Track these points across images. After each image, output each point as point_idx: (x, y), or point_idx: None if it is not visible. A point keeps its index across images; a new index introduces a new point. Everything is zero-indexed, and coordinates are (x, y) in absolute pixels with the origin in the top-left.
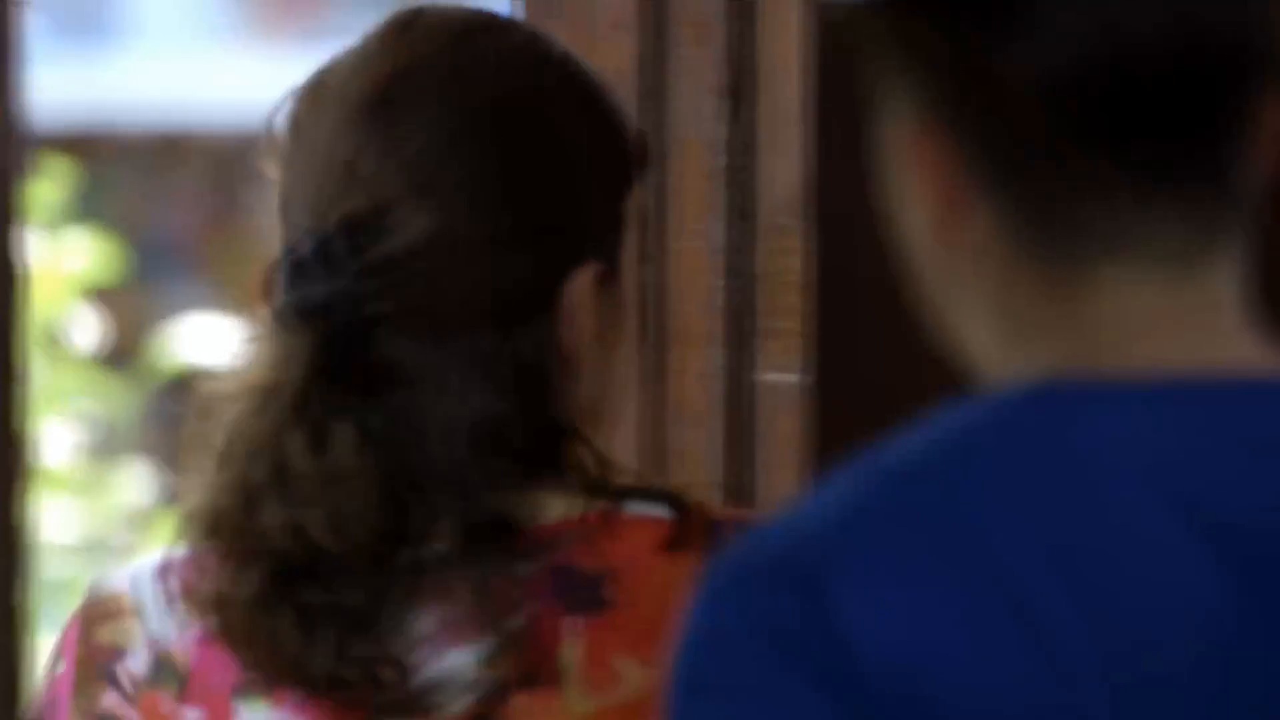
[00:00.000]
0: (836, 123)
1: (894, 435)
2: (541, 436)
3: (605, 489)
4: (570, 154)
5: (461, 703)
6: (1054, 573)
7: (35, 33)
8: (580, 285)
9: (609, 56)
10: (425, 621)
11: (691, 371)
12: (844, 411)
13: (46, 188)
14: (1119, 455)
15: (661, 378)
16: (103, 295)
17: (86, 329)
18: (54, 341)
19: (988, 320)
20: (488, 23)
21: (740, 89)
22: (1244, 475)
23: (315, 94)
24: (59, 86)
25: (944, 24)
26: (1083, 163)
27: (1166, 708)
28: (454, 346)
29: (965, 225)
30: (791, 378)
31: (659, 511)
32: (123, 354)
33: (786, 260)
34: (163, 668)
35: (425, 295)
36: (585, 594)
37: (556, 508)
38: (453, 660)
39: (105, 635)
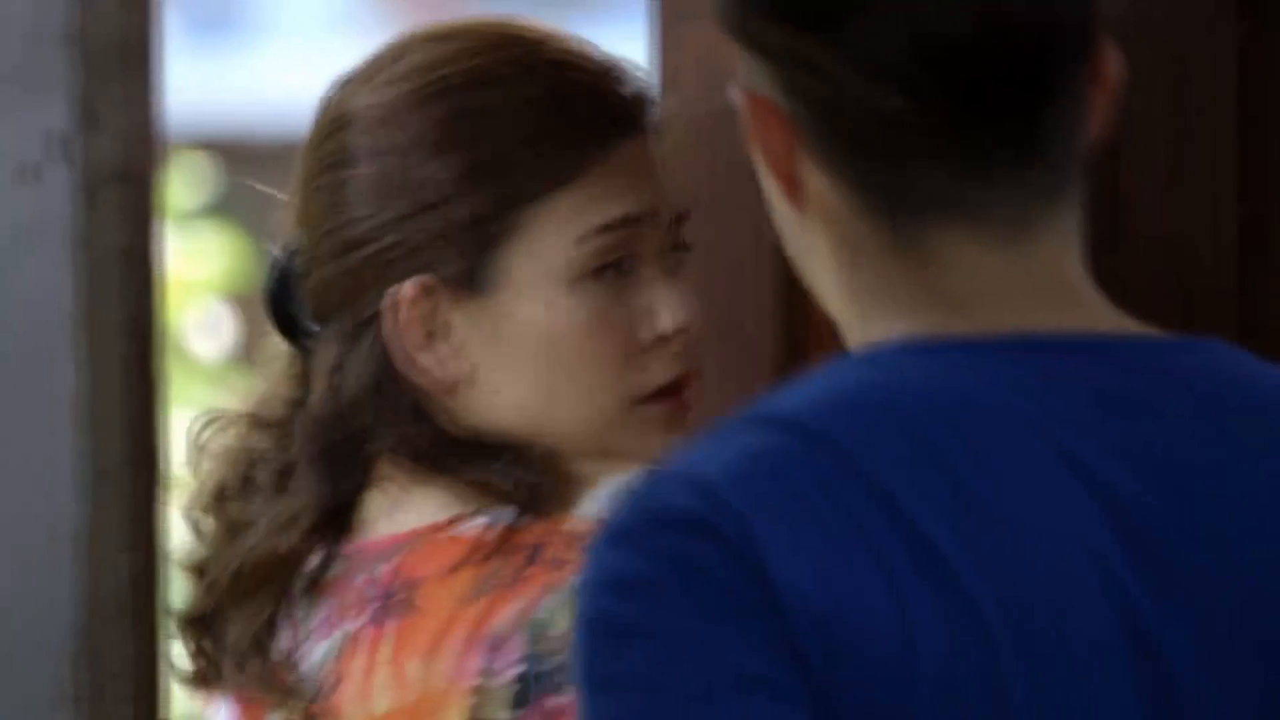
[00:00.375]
0: None
1: (776, 390)
2: (403, 443)
3: (483, 493)
4: (400, 171)
5: (307, 696)
6: (957, 530)
7: (173, 31)
8: (395, 299)
9: None
10: (319, 614)
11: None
12: None
13: (181, 188)
14: (1003, 408)
15: (799, 370)
16: (236, 297)
17: (219, 331)
18: (185, 344)
19: (840, 283)
20: (411, 44)
21: None
22: (1110, 429)
23: None
24: (196, 85)
25: (778, 23)
26: (913, 142)
27: (1074, 673)
28: (320, 355)
29: (810, 195)
30: None
31: (503, 518)
32: (255, 356)
33: None
34: None
35: (306, 308)
36: (401, 599)
37: (426, 513)
38: (317, 654)
39: None
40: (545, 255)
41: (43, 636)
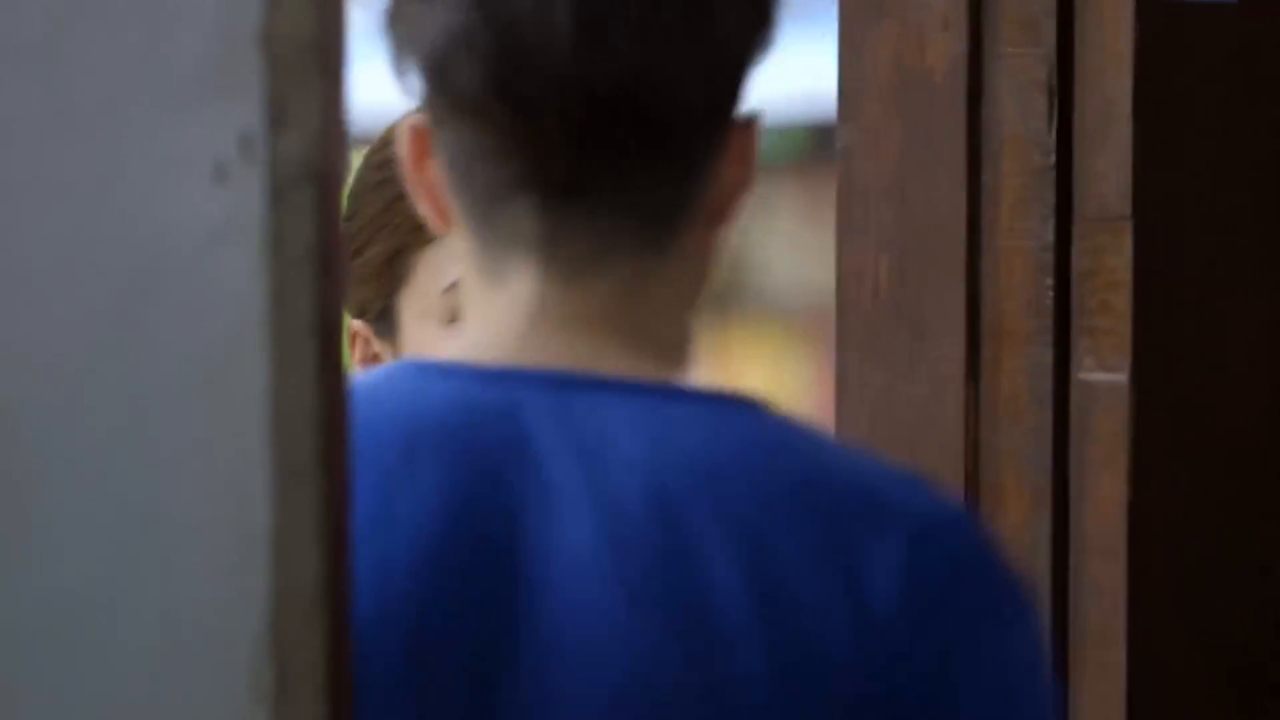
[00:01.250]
0: (1160, 119)
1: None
2: None
3: None
4: (348, 218)
5: None
6: (451, 521)
7: (357, 32)
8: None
9: (934, 55)
10: None
11: (1013, 369)
12: (1167, 410)
13: None
14: (463, 422)
15: (983, 375)
16: None
17: None
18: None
19: (467, 308)
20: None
21: (1065, 86)
22: (594, 464)
23: None
24: (379, 86)
25: (407, 58)
26: (499, 179)
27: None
28: None
29: (447, 218)
30: (1114, 377)
31: None
32: None
33: (1109, 258)
34: None
35: None
36: None
37: None
38: None
39: None
40: (424, 299)
41: (236, 635)
